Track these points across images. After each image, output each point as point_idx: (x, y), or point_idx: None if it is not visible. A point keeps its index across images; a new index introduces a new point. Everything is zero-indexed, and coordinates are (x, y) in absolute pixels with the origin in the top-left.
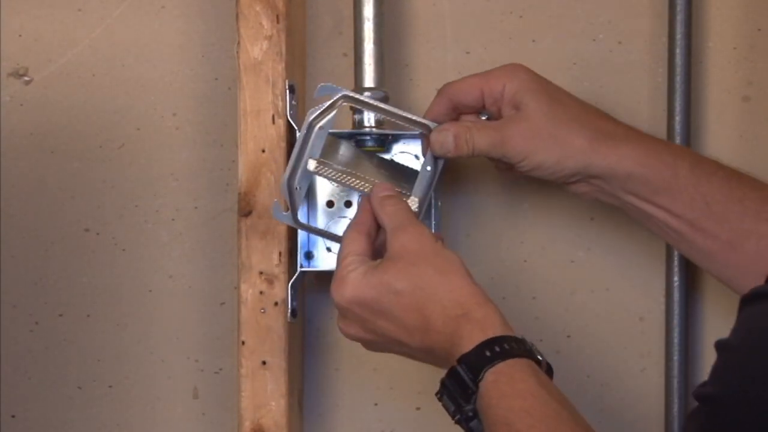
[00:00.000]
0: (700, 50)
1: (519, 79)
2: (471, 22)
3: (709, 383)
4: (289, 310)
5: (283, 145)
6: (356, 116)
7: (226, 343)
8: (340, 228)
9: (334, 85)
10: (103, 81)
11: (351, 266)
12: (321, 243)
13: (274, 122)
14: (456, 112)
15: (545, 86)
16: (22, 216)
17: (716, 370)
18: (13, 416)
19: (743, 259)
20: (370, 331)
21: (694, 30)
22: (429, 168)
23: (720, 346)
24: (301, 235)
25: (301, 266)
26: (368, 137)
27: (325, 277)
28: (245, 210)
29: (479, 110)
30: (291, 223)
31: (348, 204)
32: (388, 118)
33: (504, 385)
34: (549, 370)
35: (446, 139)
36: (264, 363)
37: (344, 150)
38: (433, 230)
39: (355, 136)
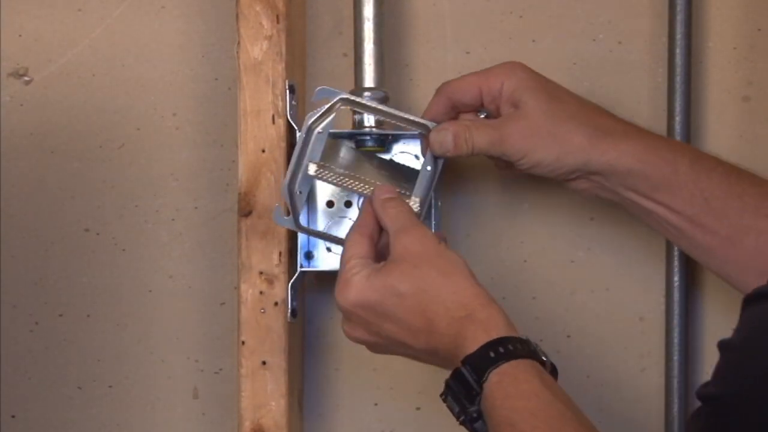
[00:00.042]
0: (700, 50)
1: (517, 77)
2: (471, 22)
3: (712, 383)
4: (289, 310)
5: (283, 145)
6: (356, 116)
7: (226, 343)
8: (340, 228)
9: (332, 89)
10: (103, 81)
11: (354, 269)
12: (321, 243)
13: (274, 122)
14: (455, 111)
15: (543, 84)
16: (22, 216)
17: (719, 370)
18: (13, 416)
19: (743, 254)
20: (374, 333)
21: (694, 30)
22: (429, 168)
23: (723, 346)
24: (302, 235)
25: (301, 266)
26: (368, 137)
27: (325, 277)
28: (245, 210)
29: (478, 109)
30: (293, 228)
31: (348, 204)
32: (386, 119)
33: (508, 386)
34: (553, 371)
35: (445, 138)
36: (264, 363)
37: (344, 152)
38: (433, 230)
39: (355, 136)
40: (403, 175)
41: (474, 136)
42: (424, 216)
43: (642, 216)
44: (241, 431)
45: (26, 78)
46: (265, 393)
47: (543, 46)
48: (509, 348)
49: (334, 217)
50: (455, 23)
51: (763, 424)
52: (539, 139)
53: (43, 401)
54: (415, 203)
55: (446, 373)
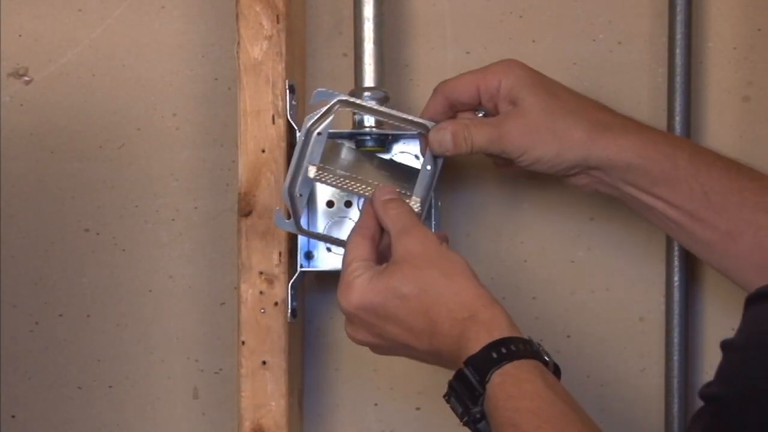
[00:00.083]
0: (700, 50)
1: (514, 74)
2: (471, 22)
3: (715, 383)
4: (289, 310)
5: (283, 145)
6: (356, 116)
7: (226, 343)
8: (340, 228)
9: (330, 90)
10: (103, 81)
11: (357, 272)
12: (321, 243)
13: (274, 122)
14: (453, 110)
15: (541, 80)
16: (22, 216)
17: (721, 370)
18: (13, 416)
19: (742, 249)
20: (377, 335)
21: (694, 30)
22: (429, 167)
23: (725, 346)
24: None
25: (301, 266)
26: (368, 137)
27: (325, 277)
28: (245, 210)
29: (476, 107)
30: (294, 231)
31: (348, 204)
32: (385, 119)
33: (511, 387)
34: (556, 371)
35: (444, 137)
36: (264, 363)
37: (344, 153)
38: (433, 230)
39: (355, 136)
40: (404, 174)
41: (473, 135)
42: (424, 216)
43: (642, 211)
44: (241, 431)
45: (26, 78)
46: (265, 393)
47: (543, 46)
48: (512, 348)
49: (334, 217)
50: (455, 23)
51: (766, 424)
52: (538, 136)
53: (43, 401)
54: (415, 203)
55: (447, 374)
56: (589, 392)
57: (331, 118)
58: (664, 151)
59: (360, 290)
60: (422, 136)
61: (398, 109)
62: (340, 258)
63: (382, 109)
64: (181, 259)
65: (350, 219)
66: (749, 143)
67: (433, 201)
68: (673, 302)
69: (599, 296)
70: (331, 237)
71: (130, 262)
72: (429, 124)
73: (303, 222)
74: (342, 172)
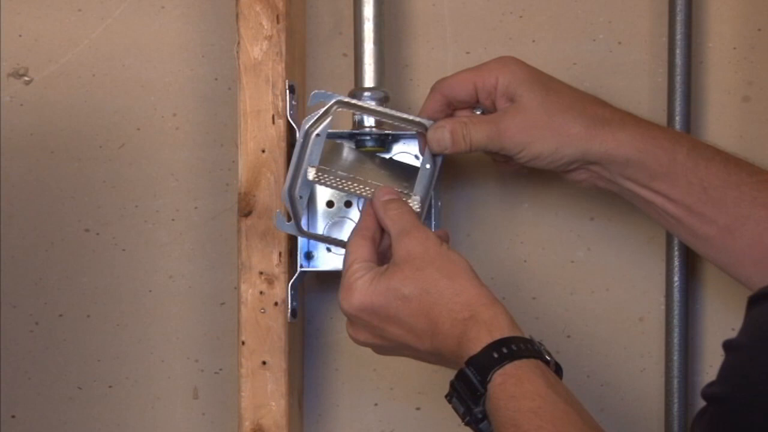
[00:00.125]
0: (700, 50)
1: (511, 71)
2: (471, 22)
3: (717, 383)
4: (289, 310)
5: (283, 145)
6: (356, 116)
7: (226, 343)
8: (341, 229)
9: (327, 92)
10: (103, 81)
11: (357, 273)
12: (321, 243)
13: (274, 122)
14: (450, 108)
15: (538, 76)
16: (22, 216)
17: (724, 370)
18: (13, 416)
19: (741, 244)
20: (379, 336)
21: (694, 30)
22: (428, 166)
23: (728, 346)
24: None
25: (301, 266)
26: (368, 137)
27: (326, 277)
28: (245, 210)
29: (473, 105)
30: (295, 233)
31: (348, 204)
32: (383, 119)
33: (512, 387)
34: (558, 370)
35: (443, 135)
36: (264, 363)
37: (343, 153)
38: (432, 230)
39: (355, 136)
40: (404, 174)
41: (471, 132)
42: (425, 215)
43: (641, 206)
44: (241, 431)
45: (26, 78)
46: (265, 393)
47: (543, 46)
48: (513, 348)
49: (334, 217)
50: (455, 23)
51: None
52: (537, 131)
53: (43, 401)
54: (415, 202)
55: (448, 374)
56: (589, 392)
57: (329, 119)
58: (663, 145)
59: (361, 292)
60: (421, 135)
61: (398, 109)
62: (340, 258)
63: (380, 109)
64: (181, 259)
65: (350, 219)
66: (749, 143)
67: (433, 201)
68: (673, 302)
69: (599, 296)
70: (332, 238)
71: (130, 262)
72: (427, 122)
73: (303, 223)
74: (341, 173)
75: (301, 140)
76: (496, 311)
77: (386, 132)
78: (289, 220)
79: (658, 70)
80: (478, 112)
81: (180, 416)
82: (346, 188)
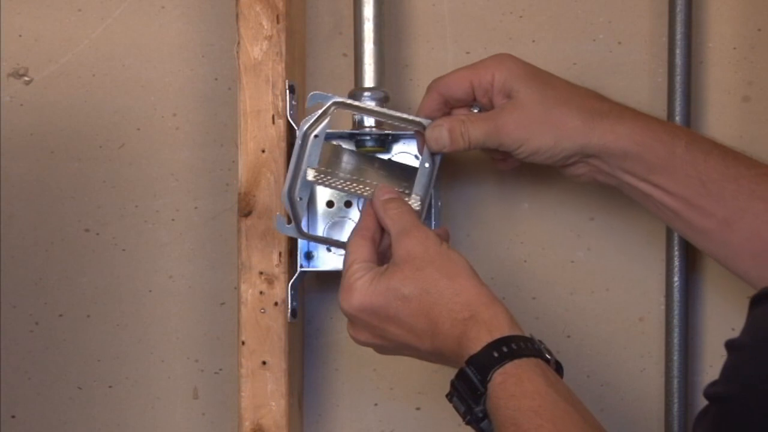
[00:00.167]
0: (700, 50)
1: (507, 67)
2: (471, 22)
3: (720, 382)
4: (289, 310)
5: (283, 145)
6: (356, 116)
7: (226, 343)
8: (341, 229)
9: (325, 93)
10: (103, 81)
11: (357, 274)
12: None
13: (274, 122)
14: (447, 107)
15: (535, 72)
16: (22, 216)
17: (726, 369)
18: (13, 416)
19: (739, 237)
20: (379, 336)
21: (694, 30)
22: (427, 165)
23: (730, 345)
24: None
25: (301, 266)
26: (368, 137)
27: (326, 277)
28: (245, 210)
29: (470, 103)
30: (296, 235)
31: (348, 204)
32: (381, 119)
33: (512, 386)
34: (558, 369)
35: (441, 134)
36: (264, 363)
37: (342, 156)
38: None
39: (355, 136)
40: (403, 174)
41: (470, 130)
42: (425, 214)
43: (639, 199)
44: (241, 431)
45: (26, 78)
46: (265, 393)
47: (543, 46)
48: (512, 347)
49: (334, 217)
50: (455, 23)
51: None
52: (535, 126)
53: (43, 401)
54: (415, 201)
55: (447, 374)
56: (589, 392)
57: (327, 120)
58: (661, 138)
59: (361, 292)
60: (419, 134)
61: (398, 109)
62: (340, 258)
63: (377, 109)
64: (181, 259)
65: (350, 219)
66: (749, 143)
67: (433, 200)
68: (673, 302)
69: (599, 296)
70: (333, 240)
71: (130, 262)
72: (425, 121)
73: (303, 224)
74: (341, 174)
75: (300, 142)
76: (496, 310)
77: (386, 132)
78: (289, 222)
79: (658, 70)
80: (476, 110)
81: (180, 416)
82: (346, 188)
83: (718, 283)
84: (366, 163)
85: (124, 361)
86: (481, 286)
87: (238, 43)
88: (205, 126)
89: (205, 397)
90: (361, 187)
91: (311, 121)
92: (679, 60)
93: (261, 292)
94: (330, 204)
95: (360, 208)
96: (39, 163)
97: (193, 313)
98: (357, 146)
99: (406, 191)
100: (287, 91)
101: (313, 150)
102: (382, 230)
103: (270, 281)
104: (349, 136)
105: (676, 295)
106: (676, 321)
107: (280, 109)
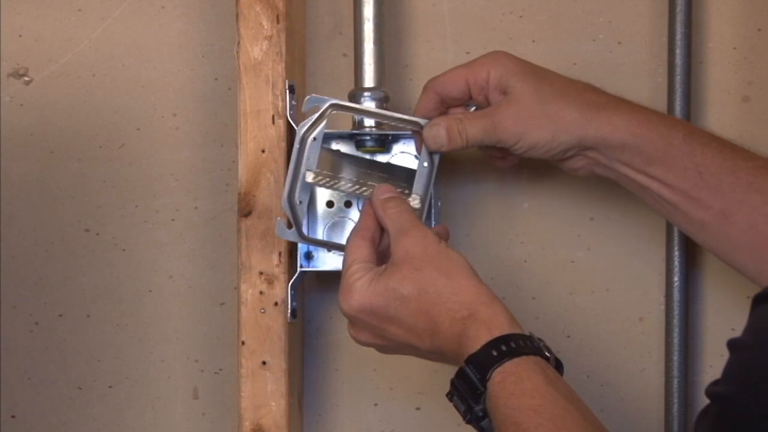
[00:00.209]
0: (700, 50)
1: (502, 64)
2: (471, 23)
3: (722, 381)
4: (289, 311)
5: (283, 145)
6: (356, 117)
7: (226, 343)
8: (340, 229)
9: (321, 96)
10: (103, 81)
11: (356, 275)
12: None
13: (274, 122)
14: (444, 106)
15: (530, 67)
16: (22, 216)
17: (728, 368)
18: (13, 416)
19: (736, 229)
20: (380, 336)
21: (694, 30)
22: (426, 164)
23: (732, 345)
24: None
25: (301, 266)
26: (368, 137)
27: (325, 277)
28: (245, 210)
29: (466, 102)
30: (297, 240)
31: (348, 204)
32: (378, 120)
33: (511, 384)
34: (558, 366)
35: (438, 133)
36: (264, 363)
37: (341, 159)
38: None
39: (356, 137)
40: (403, 175)
41: (467, 127)
42: (425, 213)
43: (637, 192)
44: (241, 431)
45: (26, 78)
46: (265, 393)
47: (543, 46)
48: (511, 346)
49: (334, 217)
50: (455, 23)
51: None
52: (533, 121)
53: (43, 401)
54: (415, 200)
55: (447, 374)
56: (589, 392)
57: (324, 122)
58: (659, 130)
59: (360, 293)
60: (417, 133)
61: (398, 110)
62: (340, 258)
63: (374, 110)
64: (181, 259)
65: (350, 219)
66: (749, 143)
67: (433, 201)
68: (673, 302)
69: (599, 296)
70: (334, 243)
71: (130, 262)
72: (422, 121)
73: (303, 226)
74: (340, 176)
75: (298, 146)
76: (495, 309)
77: (386, 132)
78: (290, 226)
79: (658, 70)
80: (472, 109)
81: (180, 416)
82: (345, 189)
83: (719, 283)
84: (365, 166)
85: (124, 361)
86: (480, 285)
87: (238, 43)
88: (205, 126)
89: (205, 397)
90: (360, 187)
91: (308, 125)
92: (679, 60)
93: (261, 292)
94: (330, 204)
95: (360, 208)
96: (39, 163)
97: (193, 313)
98: (357, 146)
99: (406, 191)
100: (287, 91)
101: (311, 153)
102: (382, 230)
103: (270, 281)
104: (350, 137)
105: (676, 295)
106: (676, 321)
107: (280, 109)
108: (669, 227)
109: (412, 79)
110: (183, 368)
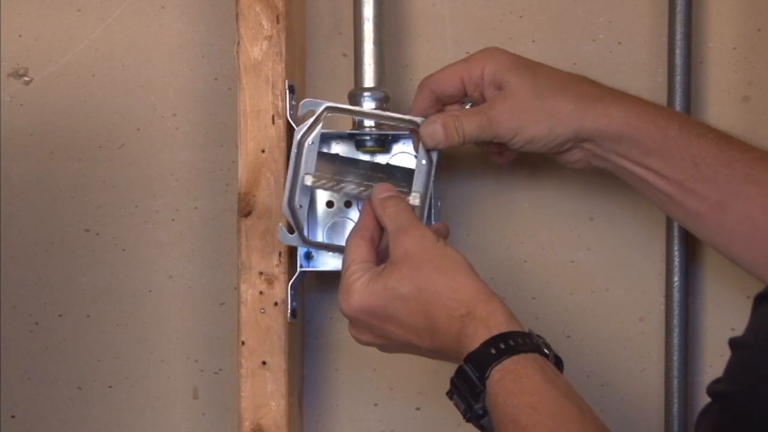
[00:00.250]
0: (700, 50)
1: (497, 59)
2: (471, 22)
3: (723, 380)
4: (289, 311)
5: (283, 145)
6: (356, 117)
7: (226, 343)
8: (340, 229)
9: (316, 100)
10: (103, 81)
11: (356, 275)
12: None
13: (274, 122)
14: (440, 104)
15: (524, 62)
16: (22, 216)
17: (730, 367)
18: (13, 416)
19: (731, 220)
20: (380, 336)
21: (694, 30)
22: (424, 161)
23: (734, 343)
24: None
25: (301, 266)
26: (368, 137)
27: (325, 277)
28: (245, 210)
29: (462, 99)
30: (299, 245)
31: (348, 204)
32: (375, 120)
33: (510, 382)
34: (558, 363)
35: (435, 130)
36: (264, 363)
37: (340, 161)
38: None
39: (355, 137)
40: (402, 176)
41: (464, 124)
42: (426, 211)
43: (634, 183)
44: (241, 431)
45: (26, 78)
46: (265, 393)
47: (543, 46)
48: (510, 344)
49: (334, 217)
50: (455, 23)
51: None
52: (529, 115)
53: (43, 401)
54: (415, 198)
55: (448, 374)
56: (589, 392)
57: (320, 126)
58: (655, 121)
59: (359, 293)
60: (414, 132)
61: (398, 110)
62: (340, 258)
63: (370, 111)
64: (181, 259)
65: (350, 219)
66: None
67: (432, 200)
68: (673, 302)
69: (599, 296)
70: (336, 246)
71: (130, 262)
72: (418, 120)
73: (304, 229)
74: (339, 177)
75: (295, 150)
76: (494, 307)
77: (386, 132)
78: (291, 231)
79: (658, 70)
80: (467, 106)
81: (180, 416)
82: (345, 190)
83: (719, 283)
84: (365, 167)
85: (123, 361)
86: (479, 283)
87: (238, 43)
88: (205, 126)
89: (205, 397)
90: (359, 188)
91: (305, 129)
92: (679, 60)
93: (261, 292)
94: (330, 204)
95: (359, 208)
96: (39, 163)
97: (193, 313)
98: (357, 146)
99: (405, 191)
100: (287, 91)
101: (309, 156)
102: (381, 229)
103: (270, 281)
104: (349, 137)
105: (676, 295)
106: (676, 321)
107: (280, 110)
108: (669, 226)
109: (412, 79)
110: (183, 368)
